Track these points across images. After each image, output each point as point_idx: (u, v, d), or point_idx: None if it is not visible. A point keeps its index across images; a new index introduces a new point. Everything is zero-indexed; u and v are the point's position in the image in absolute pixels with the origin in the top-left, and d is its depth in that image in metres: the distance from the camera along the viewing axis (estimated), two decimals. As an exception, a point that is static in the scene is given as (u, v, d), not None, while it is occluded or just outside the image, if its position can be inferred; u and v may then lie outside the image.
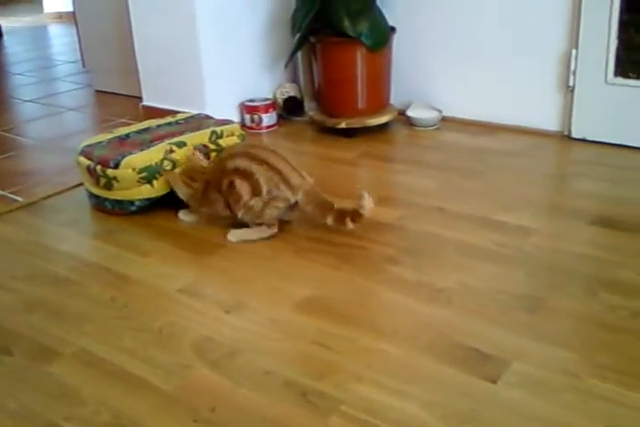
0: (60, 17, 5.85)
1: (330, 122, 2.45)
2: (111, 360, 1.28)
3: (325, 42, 2.43)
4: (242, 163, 1.70)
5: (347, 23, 2.34)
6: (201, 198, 1.77)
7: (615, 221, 1.72)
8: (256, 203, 1.69)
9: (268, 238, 1.72)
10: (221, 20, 2.48)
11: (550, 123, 2.35)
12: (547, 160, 2.22)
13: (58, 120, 2.93)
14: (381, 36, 2.40)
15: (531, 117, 2.37)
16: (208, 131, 1.97)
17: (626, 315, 1.35)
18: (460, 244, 1.65)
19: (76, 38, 3.45)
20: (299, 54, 2.69)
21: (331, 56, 2.46)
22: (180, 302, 1.47)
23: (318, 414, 1.12)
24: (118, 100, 3.10)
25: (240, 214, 1.72)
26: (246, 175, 1.69)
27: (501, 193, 1.93)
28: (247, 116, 2.58)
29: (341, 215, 1.67)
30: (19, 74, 3.89)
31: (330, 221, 1.67)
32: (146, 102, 2.71)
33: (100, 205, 1.93)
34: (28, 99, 3.28)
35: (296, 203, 1.71)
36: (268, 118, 2.57)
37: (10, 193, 2.08)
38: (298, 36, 2.48)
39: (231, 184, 1.70)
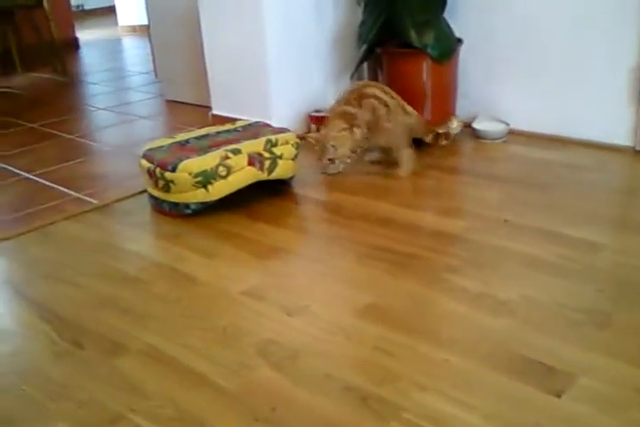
0: (134, 30, 6.07)
1: (394, 133, 2.46)
2: (176, 357, 1.32)
3: (391, 53, 2.45)
4: (375, 91, 2.18)
5: (413, 34, 2.35)
6: (371, 135, 2.17)
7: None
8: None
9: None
10: (289, 32, 2.53)
11: (620, 137, 2.29)
12: (616, 175, 2.16)
13: (130, 128, 3.03)
14: (447, 47, 2.41)
15: (600, 131, 2.32)
16: (263, 139, 2.02)
17: (699, 334, 1.30)
18: (525, 256, 1.62)
19: (148, 50, 3.58)
20: (364, 65, 2.72)
21: (396, 67, 2.48)
22: (244, 304, 1.49)
23: (378, 419, 1.12)
24: (188, 110, 3.19)
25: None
26: (382, 103, 2.17)
27: (568, 207, 1.89)
28: (313, 127, 2.61)
29: (437, 135, 2.29)
30: (94, 83, 4.05)
31: (429, 138, 2.29)
32: (215, 111, 2.78)
33: (159, 207, 2.01)
34: (102, 107, 3.41)
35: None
36: (333, 129, 2.59)
37: (84, 195, 2.17)
38: (364, 47, 2.50)
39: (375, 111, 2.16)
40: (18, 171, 2.43)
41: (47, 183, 2.29)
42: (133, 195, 2.13)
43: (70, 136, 2.84)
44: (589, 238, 1.69)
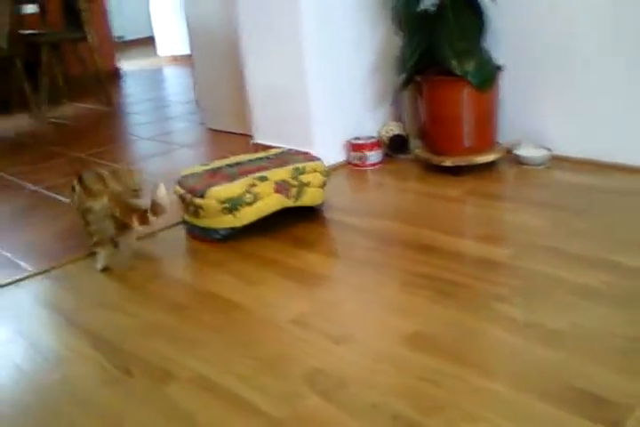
0: (175, 59, 6.22)
1: (435, 160, 2.47)
2: (225, 385, 1.33)
3: (431, 80, 2.46)
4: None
5: (453, 62, 2.37)
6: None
7: None
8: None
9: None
10: (329, 61, 2.57)
11: (667, 162, 2.26)
12: (664, 201, 2.13)
13: (172, 156, 3.09)
14: (488, 74, 2.41)
15: (646, 157, 2.30)
16: (291, 167, 2.06)
17: None
18: (573, 284, 1.60)
19: (189, 80, 3.67)
20: (403, 92, 2.74)
21: (437, 94, 2.49)
22: (290, 332, 1.50)
23: (429, 450, 1.11)
24: (230, 138, 3.25)
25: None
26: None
27: (615, 234, 1.86)
28: (352, 154, 2.63)
29: (143, 213, 1.84)
30: (137, 113, 4.15)
31: (136, 222, 1.84)
32: (256, 140, 2.82)
33: (191, 232, 2.08)
34: (145, 136, 3.49)
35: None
36: (374, 156, 2.62)
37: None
38: (404, 75, 2.53)
39: None
40: (66, 200, 2.49)
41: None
42: (178, 223, 2.17)
43: (115, 165, 2.91)
44: (638, 266, 1.66)
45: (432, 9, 2.42)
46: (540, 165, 2.43)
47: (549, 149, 2.45)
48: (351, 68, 2.66)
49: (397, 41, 2.60)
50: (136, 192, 2.04)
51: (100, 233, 1.87)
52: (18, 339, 1.58)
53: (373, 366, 1.35)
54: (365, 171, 2.60)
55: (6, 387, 1.39)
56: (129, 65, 6.13)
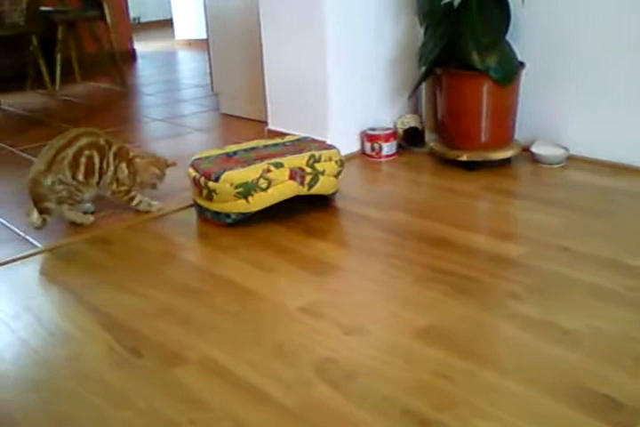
0: (190, 44, 6.19)
1: (451, 154, 2.45)
2: (234, 370, 1.32)
3: (452, 74, 2.44)
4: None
5: (475, 57, 2.34)
6: None
7: None
8: None
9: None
10: (349, 51, 2.55)
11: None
12: (681, 206, 2.11)
13: (185, 140, 3.08)
14: (510, 70, 2.38)
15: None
16: (307, 154, 2.04)
17: None
18: (588, 285, 1.59)
19: (204, 64, 3.64)
20: (422, 85, 2.72)
21: (456, 88, 2.46)
22: (301, 320, 1.49)
23: (440, 445, 1.10)
24: (244, 124, 3.23)
25: None
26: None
27: (631, 236, 1.84)
28: (368, 145, 2.62)
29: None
30: (150, 94, 4.13)
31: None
32: (271, 127, 2.80)
33: (203, 215, 2.06)
34: (159, 118, 3.47)
35: None
36: (389, 148, 2.60)
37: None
38: (424, 67, 2.50)
39: None
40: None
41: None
42: (190, 206, 2.16)
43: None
44: (655, 270, 1.64)
45: (456, 2, 2.39)
46: (556, 164, 2.41)
47: (567, 149, 2.43)
48: (371, 58, 2.63)
49: (419, 33, 2.57)
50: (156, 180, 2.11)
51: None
52: (26, 315, 1.57)
53: (384, 359, 1.34)
54: (379, 162, 2.58)
55: (13, 362, 1.39)
56: (142, 47, 6.10)
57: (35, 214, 1.94)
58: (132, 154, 2.08)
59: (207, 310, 1.54)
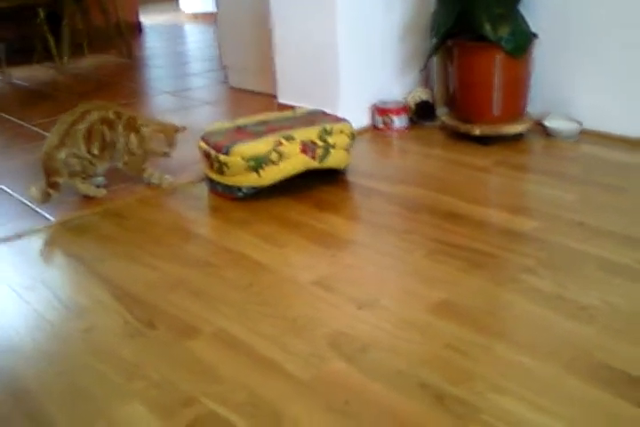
0: (196, 17, 6.12)
1: (463, 128, 2.42)
2: (248, 343, 1.32)
3: (463, 46, 2.40)
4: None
5: (487, 27, 2.30)
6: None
7: None
8: None
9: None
10: (359, 23, 2.51)
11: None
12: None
13: (194, 112, 3.05)
14: (522, 41, 2.34)
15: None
16: (318, 127, 2.02)
17: None
18: (602, 260, 1.58)
19: (210, 37, 3.59)
20: (433, 58, 2.68)
21: (468, 60, 2.42)
22: (314, 294, 1.49)
23: (457, 420, 1.10)
24: (253, 97, 3.20)
25: None
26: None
27: (647, 211, 1.83)
28: (378, 118, 2.59)
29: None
30: (158, 67, 4.09)
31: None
32: (280, 100, 2.77)
33: (214, 189, 2.05)
34: (167, 90, 3.44)
35: None
36: (399, 121, 2.57)
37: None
38: (435, 40, 2.46)
39: None
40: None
41: (116, 164, 2.32)
42: (202, 179, 2.15)
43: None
44: (670, 245, 1.63)
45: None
46: (569, 138, 2.38)
47: (580, 123, 2.40)
48: (382, 30, 2.59)
49: (430, 5, 2.52)
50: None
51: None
52: (40, 287, 1.57)
53: (398, 333, 1.34)
54: (390, 136, 2.55)
55: (27, 334, 1.39)
56: (148, 19, 6.03)
57: (33, 189, 1.94)
58: (139, 122, 2.07)
59: (220, 284, 1.54)
